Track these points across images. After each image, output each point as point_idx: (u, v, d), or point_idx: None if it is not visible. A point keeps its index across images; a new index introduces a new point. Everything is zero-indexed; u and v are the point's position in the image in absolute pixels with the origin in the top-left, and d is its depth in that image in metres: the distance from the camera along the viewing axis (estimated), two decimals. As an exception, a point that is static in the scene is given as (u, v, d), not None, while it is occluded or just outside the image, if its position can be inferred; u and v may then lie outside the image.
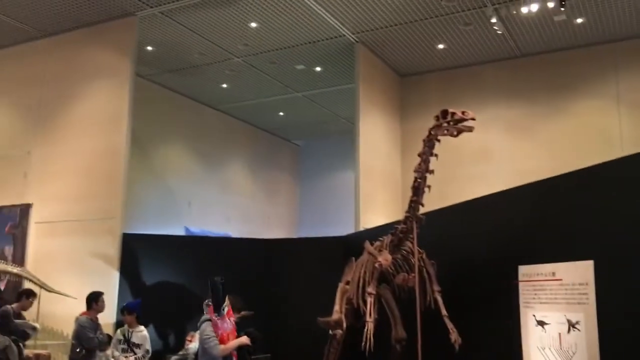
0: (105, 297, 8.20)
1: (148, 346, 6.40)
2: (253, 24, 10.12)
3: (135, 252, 9.47)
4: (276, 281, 9.91)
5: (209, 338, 4.69)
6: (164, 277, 9.56)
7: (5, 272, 9.33)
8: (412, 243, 5.43)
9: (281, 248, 10.23)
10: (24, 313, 7.63)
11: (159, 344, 9.05)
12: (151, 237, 9.89)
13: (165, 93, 12.76)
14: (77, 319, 7.00)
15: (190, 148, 13.50)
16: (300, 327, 8.72)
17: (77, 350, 6.56)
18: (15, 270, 9.22)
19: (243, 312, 8.84)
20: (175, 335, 9.05)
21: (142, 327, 6.57)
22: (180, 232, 12.58)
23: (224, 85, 12.91)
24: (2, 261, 9.59)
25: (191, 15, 9.85)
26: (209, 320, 4.77)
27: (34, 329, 7.51)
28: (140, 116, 10.50)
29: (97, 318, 7.07)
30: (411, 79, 12.65)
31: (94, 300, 7.02)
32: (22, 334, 7.23)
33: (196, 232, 12.96)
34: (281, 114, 14.84)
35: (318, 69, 12.02)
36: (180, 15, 9.86)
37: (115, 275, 9.17)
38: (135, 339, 6.31)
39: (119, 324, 8.94)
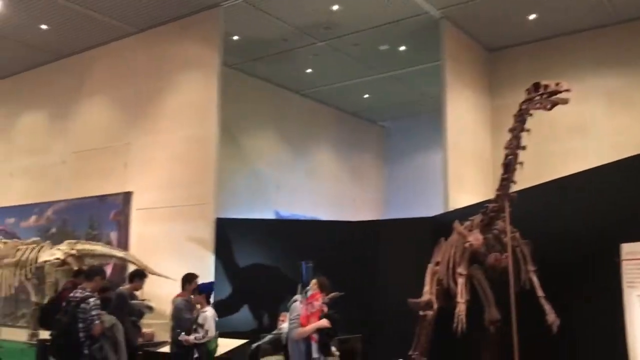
0: (201, 279, 8.58)
1: (208, 326, 6.43)
2: (335, 7, 10.09)
3: (229, 236, 9.80)
4: (365, 263, 9.94)
5: (293, 320, 4.79)
6: (257, 259, 9.84)
7: (111, 256, 9.96)
8: (504, 222, 5.26)
9: (370, 230, 10.24)
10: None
11: (254, 324, 9.35)
12: (243, 221, 10.19)
13: (252, 81, 13.02)
14: (173, 301, 7.26)
15: (277, 134, 13.72)
16: (390, 309, 8.72)
17: (177, 331, 6.83)
18: (120, 254, 9.82)
19: (332, 294, 8.97)
20: (269, 315, 9.30)
21: (207, 308, 6.70)
22: (271, 216, 12.86)
23: (309, 70, 12.99)
24: (108, 245, 10.22)
25: (274, 2, 9.96)
26: (298, 301, 4.85)
27: (150, 308, 7.92)
28: (229, 105, 10.80)
29: (192, 299, 7.27)
30: (500, 53, 12.16)
31: (188, 281, 7.24)
32: (139, 314, 7.66)
33: (286, 216, 13.21)
34: (366, 96, 14.75)
35: (402, 48, 11.83)
36: (263, 3, 9.99)
37: (211, 258, 9.53)
38: (199, 319, 6.49)
39: (217, 304, 9.33)
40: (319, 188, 14.54)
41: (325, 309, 5.06)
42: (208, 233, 9.64)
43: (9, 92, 13.76)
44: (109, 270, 10.73)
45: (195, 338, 6.36)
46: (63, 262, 9.73)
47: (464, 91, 11.17)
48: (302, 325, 4.66)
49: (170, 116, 10.61)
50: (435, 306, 6.05)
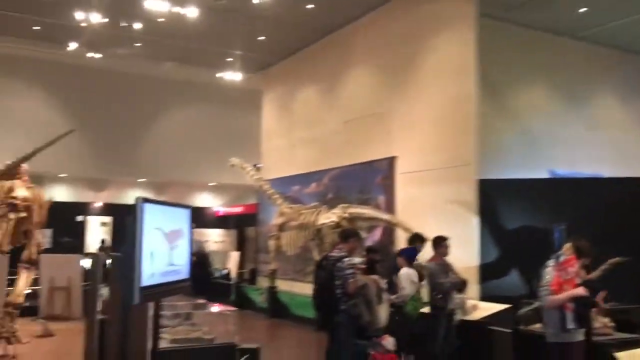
0: (465, 241, 8.40)
1: (403, 284, 6.81)
2: None
3: (493, 198, 9.40)
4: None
5: (543, 287, 4.29)
6: (526, 221, 9.27)
7: (378, 219, 10.39)
8: None
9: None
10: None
11: (521, 289, 8.83)
12: (508, 181, 9.64)
13: (514, 30, 12.03)
14: (426, 266, 7.15)
15: (548, 85, 12.55)
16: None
17: (434, 294, 6.76)
18: (386, 217, 10.19)
19: (614, 260, 7.94)
20: (537, 281, 8.69)
21: (404, 269, 6.97)
22: (544, 175, 11.91)
23: (582, 10, 11.52)
24: (376, 209, 10.68)
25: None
26: (550, 267, 4.36)
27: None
28: (490, 59, 10.25)
29: (444, 261, 7.07)
30: None
31: (436, 244, 7.09)
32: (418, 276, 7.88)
33: (563, 174, 12.09)
34: (656, 29, 12.52)
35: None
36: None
37: (474, 221, 9.27)
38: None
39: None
40: (601, 141, 12.92)
41: (583, 274, 4.45)
42: (470, 195, 9.38)
43: (288, 71, 15.27)
44: (378, 232, 11.29)
45: (396, 297, 6.48)
46: (337, 225, 10.48)
47: None
48: (554, 293, 4.18)
49: (428, 78, 10.53)
50: None
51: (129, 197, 18.76)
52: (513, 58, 11.78)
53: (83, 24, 12.78)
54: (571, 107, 12.70)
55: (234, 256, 14.77)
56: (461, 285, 6.90)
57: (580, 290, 4.15)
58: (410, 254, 7.49)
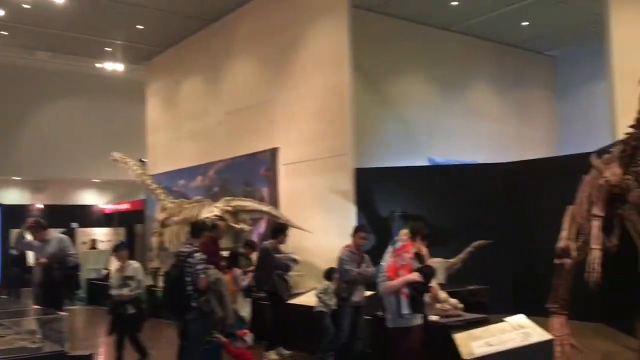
0: (343, 230, 8.37)
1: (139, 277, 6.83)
2: None
3: (369, 186, 9.55)
4: (521, 206, 9.19)
5: (380, 273, 4.31)
6: (401, 208, 9.46)
7: (260, 211, 10.24)
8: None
9: (527, 170, 9.48)
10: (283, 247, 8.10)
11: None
12: (382, 169, 9.85)
13: (389, 22, 12.25)
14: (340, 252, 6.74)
15: (425, 75, 12.89)
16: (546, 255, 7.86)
17: (340, 282, 6.21)
18: (266, 208, 10.07)
19: (478, 242, 8.23)
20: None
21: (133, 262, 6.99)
22: (424, 163, 12.26)
23: (454, 3, 11.91)
24: (257, 201, 10.53)
25: None
26: (388, 253, 4.39)
27: (295, 260, 7.98)
28: (366, 50, 10.37)
29: (359, 251, 6.53)
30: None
31: (353, 233, 6.52)
32: (285, 267, 7.75)
33: (441, 162, 12.51)
34: (526, 23, 13.18)
35: (560, -39, 10.27)
36: None
37: (352, 209, 9.36)
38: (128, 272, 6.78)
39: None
40: (478, 129, 13.50)
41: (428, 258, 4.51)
42: (348, 185, 9.48)
43: (171, 62, 14.79)
44: (263, 224, 11.16)
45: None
46: (220, 218, 10.21)
47: (632, 4, 9.40)
48: (390, 279, 4.22)
49: (305, 69, 10.53)
50: (574, 253, 5.19)
51: (4, 197, 17.55)
52: (389, 49, 12.00)
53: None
54: (448, 97, 13.14)
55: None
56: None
57: (414, 276, 4.20)
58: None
